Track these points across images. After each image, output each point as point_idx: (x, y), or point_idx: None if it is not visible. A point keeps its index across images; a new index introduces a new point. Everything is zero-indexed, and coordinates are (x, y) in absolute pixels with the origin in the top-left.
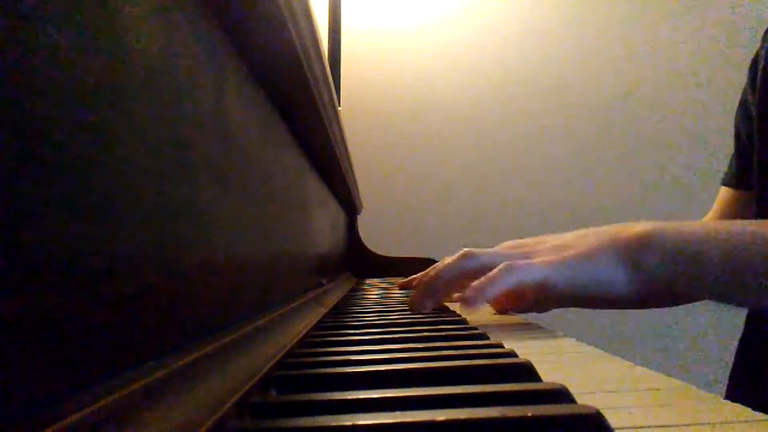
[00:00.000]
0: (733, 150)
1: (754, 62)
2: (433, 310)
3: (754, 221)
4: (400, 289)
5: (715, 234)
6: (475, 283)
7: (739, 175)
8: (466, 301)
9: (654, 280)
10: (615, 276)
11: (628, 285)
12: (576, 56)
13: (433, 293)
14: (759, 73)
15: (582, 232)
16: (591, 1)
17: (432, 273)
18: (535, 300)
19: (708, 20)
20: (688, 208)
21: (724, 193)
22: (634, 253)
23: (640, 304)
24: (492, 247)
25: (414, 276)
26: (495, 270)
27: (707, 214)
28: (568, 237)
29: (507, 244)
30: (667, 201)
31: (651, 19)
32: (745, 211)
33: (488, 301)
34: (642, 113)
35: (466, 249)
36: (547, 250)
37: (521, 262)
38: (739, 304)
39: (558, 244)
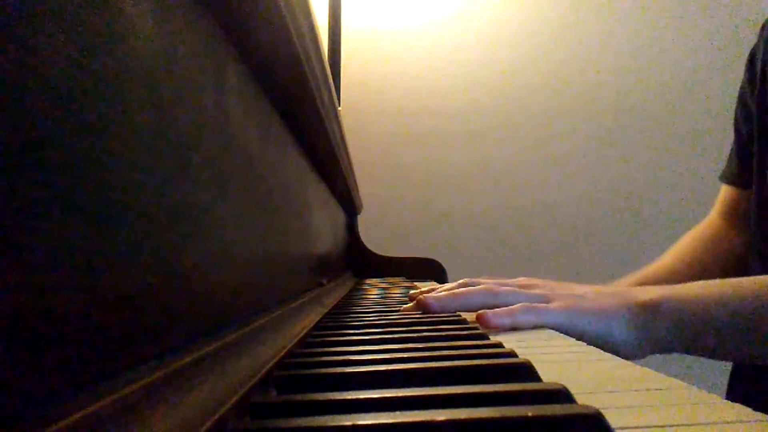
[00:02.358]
0: (734, 147)
1: (752, 57)
2: None
3: (758, 278)
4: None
5: (720, 297)
6: (497, 310)
7: (740, 173)
8: (485, 318)
9: (662, 344)
10: (625, 337)
11: (636, 347)
12: (575, 56)
13: (449, 306)
14: (758, 68)
15: (599, 288)
16: (590, 2)
17: (456, 294)
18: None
19: (709, 19)
20: (689, 208)
21: (725, 192)
22: (645, 320)
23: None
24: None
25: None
26: (515, 306)
27: (710, 214)
28: (586, 290)
29: (523, 281)
30: (668, 201)
31: (651, 19)
32: (746, 208)
33: (500, 330)
34: (642, 113)
35: (491, 284)
36: (566, 296)
37: (540, 305)
38: (745, 362)
39: (577, 293)
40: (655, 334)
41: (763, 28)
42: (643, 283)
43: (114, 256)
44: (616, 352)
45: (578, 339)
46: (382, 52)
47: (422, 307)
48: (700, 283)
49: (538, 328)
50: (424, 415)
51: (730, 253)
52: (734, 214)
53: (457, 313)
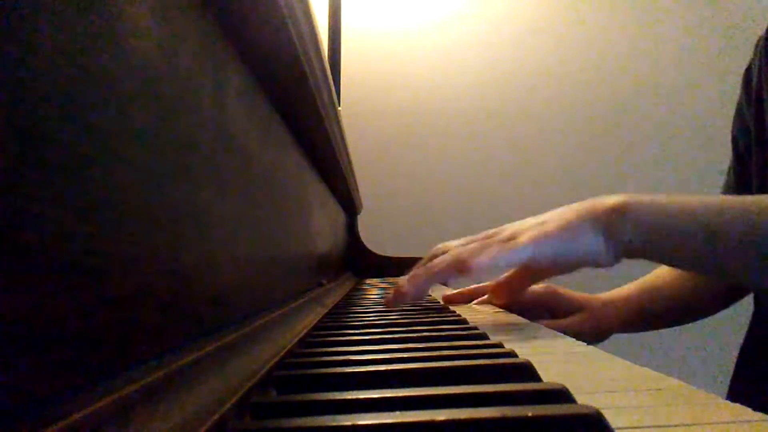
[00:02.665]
0: (732, 160)
1: (748, 73)
2: (433, 310)
3: (730, 196)
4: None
5: (691, 207)
6: (473, 258)
7: (738, 186)
8: (468, 265)
9: (630, 248)
10: (595, 246)
11: (608, 253)
12: (575, 56)
13: (421, 287)
14: (754, 85)
15: (560, 208)
16: (590, 2)
17: (428, 272)
18: (527, 277)
19: (710, 21)
20: None
21: None
22: (609, 223)
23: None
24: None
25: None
26: (489, 251)
27: None
28: (547, 214)
29: (488, 232)
30: None
31: (653, 21)
32: None
33: (484, 275)
34: (643, 114)
35: (458, 249)
36: (530, 230)
37: (507, 244)
38: (716, 276)
39: (537, 222)
40: (620, 237)
41: (757, 45)
42: (659, 288)
43: (114, 256)
44: (593, 262)
45: (553, 264)
46: (382, 52)
47: (398, 298)
48: (673, 194)
49: (539, 329)
50: (424, 415)
51: None
52: None
53: (456, 311)
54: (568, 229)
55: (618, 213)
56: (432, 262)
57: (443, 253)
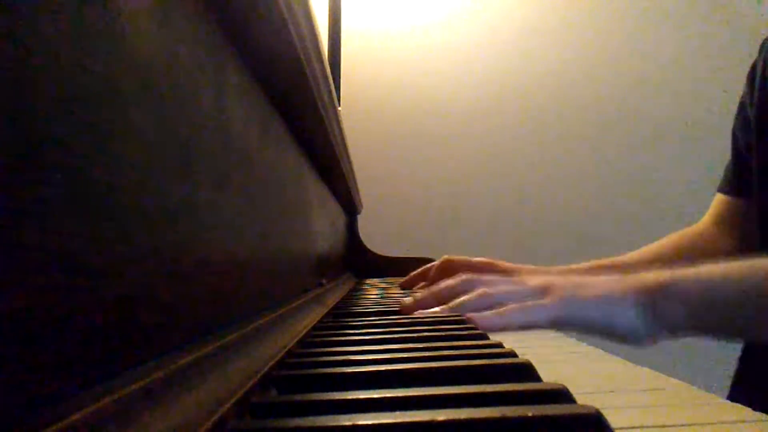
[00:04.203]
0: (730, 157)
1: (752, 72)
2: None
3: (762, 258)
4: (402, 289)
5: (728, 274)
6: (489, 313)
7: (736, 183)
8: (473, 322)
9: (672, 328)
10: (633, 323)
11: (645, 332)
12: (575, 56)
13: (430, 307)
14: (757, 83)
15: (599, 277)
16: (590, 2)
17: (434, 293)
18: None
19: (710, 22)
20: (688, 210)
21: (719, 199)
22: (653, 303)
23: (652, 342)
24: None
25: (414, 273)
26: (509, 307)
27: (701, 219)
28: (585, 280)
29: (523, 280)
30: (667, 202)
31: (652, 22)
32: (739, 217)
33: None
34: (643, 114)
35: (484, 289)
36: (562, 287)
37: (530, 303)
38: (755, 340)
39: (575, 284)
40: (664, 318)
41: (762, 45)
42: (619, 272)
43: (114, 256)
44: (623, 340)
45: (580, 331)
46: (382, 52)
47: (404, 313)
48: (706, 264)
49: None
50: (424, 415)
51: (718, 255)
52: (727, 222)
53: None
54: (606, 301)
55: (664, 291)
56: (456, 297)
57: (462, 282)
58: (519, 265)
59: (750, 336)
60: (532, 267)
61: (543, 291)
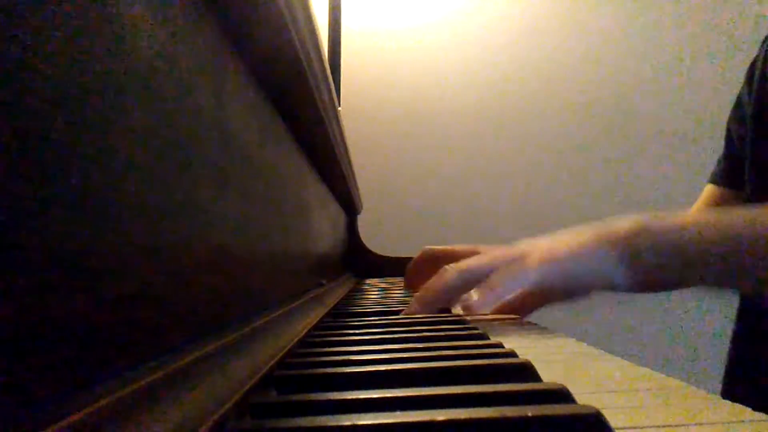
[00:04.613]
0: (723, 150)
1: (752, 68)
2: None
3: (741, 208)
4: (407, 289)
5: (705, 222)
6: (477, 293)
7: (727, 174)
8: (469, 309)
9: (649, 270)
10: (611, 269)
11: (624, 276)
12: (576, 56)
13: (430, 304)
14: (756, 78)
15: (572, 230)
16: (589, 2)
17: (430, 288)
18: (535, 300)
19: (709, 21)
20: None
21: (709, 190)
22: (628, 245)
23: (637, 291)
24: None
25: (408, 275)
26: (493, 278)
27: (690, 209)
28: (559, 236)
29: (499, 251)
30: (667, 202)
31: (652, 21)
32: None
33: (493, 308)
34: (642, 114)
35: (459, 266)
36: (539, 250)
37: (514, 268)
38: (733, 290)
39: (549, 244)
40: (641, 260)
41: (764, 41)
42: None
43: (114, 256)
44: (607, 287)
45: (563, 288)
46: (382, 52)
47: (473, 313)
48: (684, 213)
49: (539, 329)
50: (424, 415)
51: None
52: None
53: (456, 313)
54: (581, 251)
55: (636, 234)
56: (439, 284)
57: (440, 273)
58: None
59: (725, 283)
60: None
61: (521, 255)
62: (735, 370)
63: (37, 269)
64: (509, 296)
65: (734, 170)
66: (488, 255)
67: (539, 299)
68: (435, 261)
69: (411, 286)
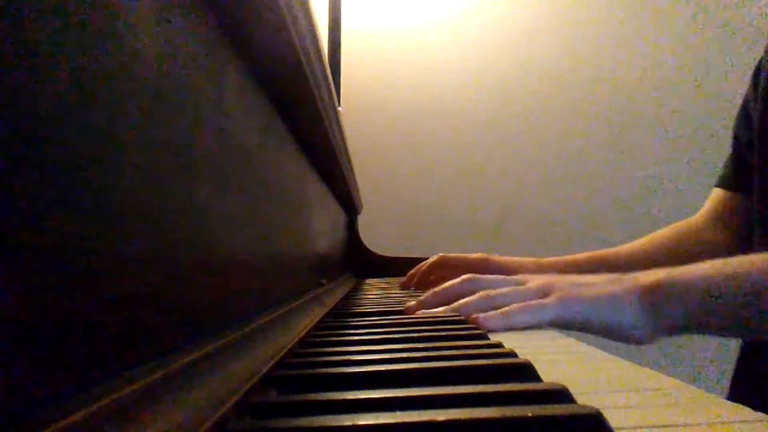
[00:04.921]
0: (730, 153)
1: (757, 70)
2: None
3: (762, 254)
4: (402, 289)
5: (727, 273)
6: (493, 313)
7: (735, 178)
8: (478, 323)
9: (672, 326)
10: (634, 322)
11: (645, 331)
12: (576, 56)
13: (434, 307)
14: (762, 81)
15: (599, 276)
16: (590, 2)
17: (438, 293)
18: None
19: (709, 22)
20: (686, 209)
21: (716, 194)
22: (653, 303)
23: (646, 343)
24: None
25: (411, 272)
26: (511, 307)
27: (698, 213)
28: (581, 279)
29: (520, 278)
30: (666, 202)
31: (652, 20)
32: (736, 212)
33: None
34: (643, 114)
35: (486, 291)
36: (563, 286)
37: (534, 302)
38: (756, 336)
39: (572, 285)
40: (665, 317)
41: None
42: (613, 263)
43: (114, 256)
44: (625, 339)
45: (581, 330)
46: (382, 52)
47: (409, 313)
48: (704, 263)
49: (539, 329)
50: (424, 415)
51: (712, 247)
52: (723, 216)
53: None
54: (607, 300)
55: (660, 292)
56: (448, 295)
57: (463, 282)
58: (514, 258)
59: (748, 334)
60: (527, 259)
61: (544, 291)
62: (743, 373)
63: (37, 269)
64: (520, 328)
65: (741, 174)
66: (512, 283)
67: None
68: (447, 267)
69: (418, 287)
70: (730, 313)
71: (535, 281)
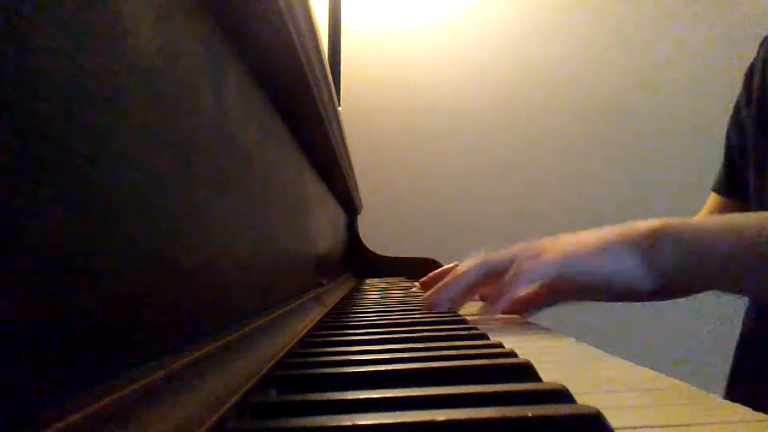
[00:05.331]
0: (723, 159)
1: (749, 72)
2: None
3: (759, 213)
4: (421, 288)
5: (723, 226)
6: (496, 288)
7: (726, 184)
8: (489, 305)
9: (668, 271)
10: (631, 268)
11: (643, 277)
12: (575, 56)
13: (450, 294)
14: (756, 82)
15: (593, 230)
16: (589, 2)
17: (450, 278)
18: (552, 296)
19: (709, 22)
20: (687, 210)
21: (713, 199)
22: (648, 246)
23: (654, 296)
24: (502, 247)
25: (434, 273)
26: (510, 273)
27: (697, 214)
28: (581, 234)
29: (521, 246)
30: (666, 202)
31: (652, 21)
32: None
33: (509, 303)
34: (643, 114)
35: (479, 257)
36: (560, 245)
37: (533, 261)
38: (748, 295)
39: (571, 240)
40: (660, 262)
41: (762, 43)
42: None
43: (114, 256)
44: (623, 291)
45: (582, 284)
46: (382, 52)
47: (430, 308)
48: (703, 216)
49: (539, 329)
50: (424, 415)
51: None
52: None
53: (459, 313)
54: (603, 248)
55: (657, 236)
56: (457, 275)
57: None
58: None
59: (745, 288)
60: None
61: (541, 249)
62: (739, 370)
63: (37, 269)
64: (526, 290)
65: (734, 180)
66: (508, 250)
67: (550, 297)
68: None
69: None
70: (726, 262)
71: (527, 246)
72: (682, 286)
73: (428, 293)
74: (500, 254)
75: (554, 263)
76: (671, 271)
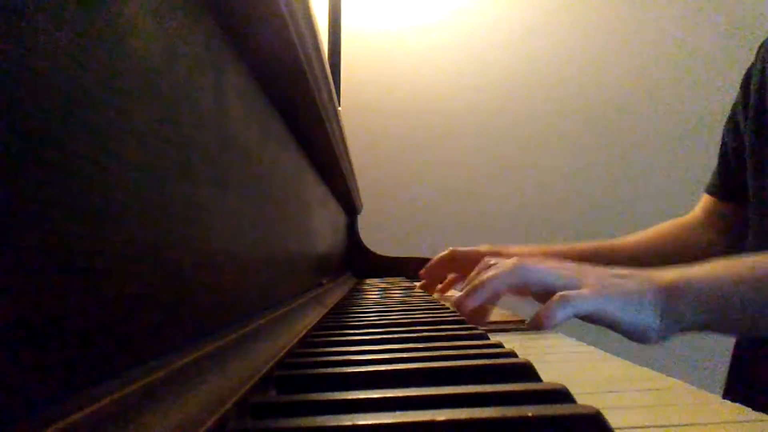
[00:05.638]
0: (717, 162)
1: (747, 76)
2: (432, 309)
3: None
4: (421, 288)
5: (739, 272)
6: (539, 312)
7: (720, 187)
8: (529, 326)
9: (687, 325)
10: (651, 322)
11: (659, 331)
12: (575, 56)
13: (481, 299)
14: (755, 86)
15: (619, 271)
16: (590, 2)
17: (483, 278)
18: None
19: (710, 21)
20: (686, 210)
21: (706, 200)
22: (668, 302)
23: (655, 342)
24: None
25: (431, 264)
26: (553, 302)
27: (693, 211)
28: (607, 272)
29: (559, 263)
30: (666, 202)
31: (652, 21)
32: (723, 218)
33: (546, 326)
34: (642, 115)
35: (516, 260)
36: (601, 280)
37: (574, 293)
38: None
39: (613, 281)
40: (679, 316)
41: (760, 49)
42: (619, 253)
43: (114, 256)
44: (636, 335)
45: (609, 326)
46: (382, 52)
47: (460, 311)
48: (714, 261)
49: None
50: (424, 415)
51: (708, 244)
52: (713, 220)
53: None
54: (630, 297)
55: (675, 292)
56: (487, 276)
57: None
58: (522, 247)
59: (761, 330)
60: (535, 247)
61: (578, 279)
62: (737, 370)
63: (37, 269)
64: (563, 319)
65: (729, 183)
66: (547, 268)
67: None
68: (459, 261)
69: (428, 284)
70: (741, 309)
71: (567, 268)
72: (700, 331)
73: (461, 297)
74: (538, 270)
75: (593, 301)
76: (689, 325)
